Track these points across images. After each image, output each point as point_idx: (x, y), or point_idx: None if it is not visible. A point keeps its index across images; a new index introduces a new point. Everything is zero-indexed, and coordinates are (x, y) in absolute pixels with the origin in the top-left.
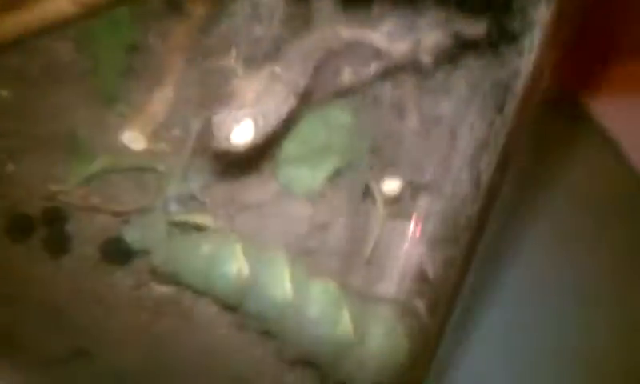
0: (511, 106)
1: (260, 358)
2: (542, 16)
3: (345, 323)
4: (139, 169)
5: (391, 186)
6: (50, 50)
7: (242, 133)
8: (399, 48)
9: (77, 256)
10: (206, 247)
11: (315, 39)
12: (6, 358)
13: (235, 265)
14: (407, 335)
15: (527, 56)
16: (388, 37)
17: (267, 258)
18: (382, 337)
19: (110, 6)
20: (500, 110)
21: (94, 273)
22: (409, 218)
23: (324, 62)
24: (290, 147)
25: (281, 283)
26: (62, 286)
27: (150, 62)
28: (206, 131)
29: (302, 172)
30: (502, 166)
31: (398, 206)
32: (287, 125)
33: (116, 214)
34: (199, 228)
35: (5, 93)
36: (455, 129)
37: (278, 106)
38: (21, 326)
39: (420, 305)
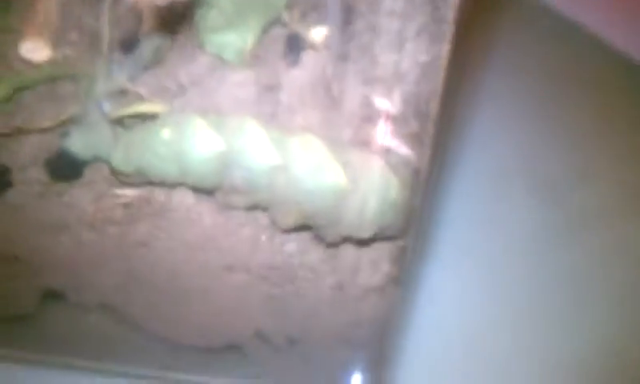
0: None
1: (253, 236)
2: None
3: (336, 171)
4: (52, 79)
5: (320, 32)
6: None
7: None
8: None
9: (22, 187)
10: (166, 131)
11: None
12: None
13: (205, 140)
14: (394, 172)
15: None
16: None
17: (236, 125)
18: (371, 179)
19: None
20: None
21: (47, 199)
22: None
23: None
24: (209, 16)
25: (261, 147)
26: (15, 224)
27: None
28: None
29: (230, 37)
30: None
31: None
32: None
33: (47, 129)
34: (147, 117)
35: None
36: None
37: None
38: None
39: (394, 141)
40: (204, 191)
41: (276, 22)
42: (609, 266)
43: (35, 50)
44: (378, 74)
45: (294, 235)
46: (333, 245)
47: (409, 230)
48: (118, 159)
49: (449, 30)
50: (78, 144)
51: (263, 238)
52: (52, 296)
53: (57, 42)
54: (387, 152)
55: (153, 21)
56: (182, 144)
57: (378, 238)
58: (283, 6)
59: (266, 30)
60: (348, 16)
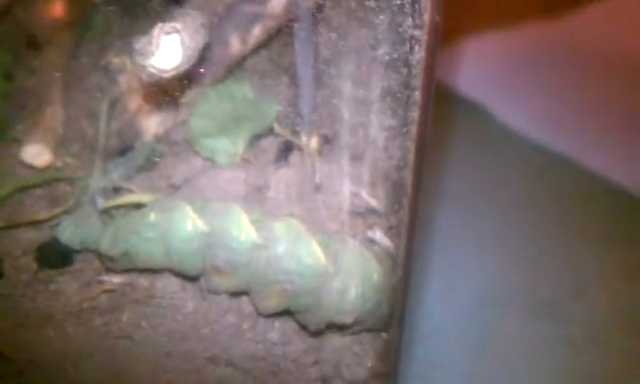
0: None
1: (236, 323)
2: None
3: (316, 254)
4: (52, 180)
5: (314, 142)
6: None
7: (168, 54)
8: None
9: (12, 276)
10: (153, 215)
11: (199, 2)
12: None
13: (190, 222)
14: (376, 259)
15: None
16: None
17: (220, 209)
18: (354, 263)
19: None
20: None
21: (34, 286)
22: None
23: (212, 28)
24: (199, 124)
25: (242, 227)
26: (2, 318)
27: (28, 86)
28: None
29: (222, 142)
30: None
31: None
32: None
33: (40, 222)
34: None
35: None
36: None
37: (193, 34)
38: None
39: (377, 233)
40: (188, 277)
41: (267, 132)
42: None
43: (37, 156)
44: (361, 171)
45: (276, 323)
46: (316, 333)
47: (392, 323)
48: (106, 243)
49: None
50: (67, 232)
51: (246, 325)
52: None
53: (59, 152)
54: (370, 242)
55: (141, 98)
56: (167, 226)
57: (361, 329)
58: (274, 117)
59: (256, 138)
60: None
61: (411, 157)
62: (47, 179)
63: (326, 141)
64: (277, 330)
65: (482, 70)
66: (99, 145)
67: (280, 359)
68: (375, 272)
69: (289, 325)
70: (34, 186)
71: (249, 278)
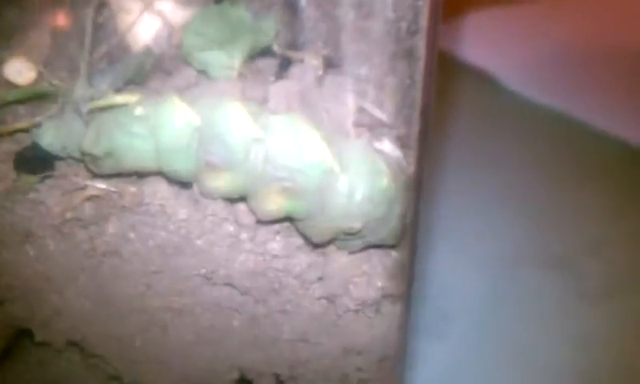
0: None
1: (233, 233)
2: None
3: (320, 149)
4: (34, 96)
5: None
6: None
7: None
8: None
9: None
10: (140, 109)
11: None
12: None
13: (180, 115)
14: (385, 163)
15: None
16: None
17: (213, 103)
18: (362, 163)
19: None
20: None
21: (13, 197)
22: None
23: None
24: (193, 40)
25: (238, 119)
26: None
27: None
28: None
29: (217, 55)
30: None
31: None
32: None
33: (20, 131)
34: None
35: None
36: None
37: None
38: None
39: (386, 143)
40: (179, 181)
41: (265, 50)
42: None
43: (20, 72)
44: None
45: (277, 228)
46: (320, 245)
47: (403, 241)
48: (89, 140)
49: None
50: (48, 136)
51: (244, 236)
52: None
53: (44, 71)
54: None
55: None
56: (155, 120)
57: (369, 243)
58: (273, 36)
59: (254, 57)
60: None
61: (420, 69)
62: (29, 94)
63: (329, 63)
64: (278, 241)
65: (488, 39)
66: (85, 48)
67: (282, 275)
68: (385, 175)
69: (292, 240)
70: (16, 103)
71: (246, 177)
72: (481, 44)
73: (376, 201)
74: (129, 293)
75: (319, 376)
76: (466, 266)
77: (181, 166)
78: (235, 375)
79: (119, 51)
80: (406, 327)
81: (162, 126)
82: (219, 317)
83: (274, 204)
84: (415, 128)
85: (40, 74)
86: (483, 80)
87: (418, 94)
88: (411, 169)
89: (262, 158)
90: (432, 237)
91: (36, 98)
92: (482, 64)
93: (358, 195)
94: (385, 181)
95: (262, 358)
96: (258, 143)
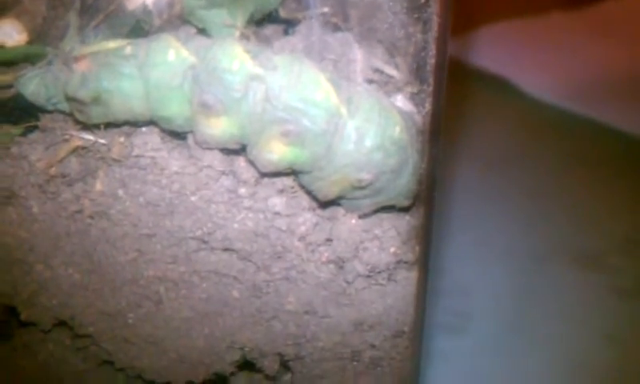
0: None
1: (231, 188)
2: None
3: (325, 88)
4: (24, 58)
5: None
6: None
7: None
8: None
9: None
10: (130, 48)
11: None
12: None
13: (172, 52)
14: (398, 112)
15: None
16: None
17: (209, 42)
18: (372, 108)
19: None
20: None
21: None
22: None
23: None
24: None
25: (235, 55)
26: None
27: None
28: None
29: (219, 13)
30: None
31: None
32: None
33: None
34: None
35: None
36: None
37: None
38: None
39: (399, 97)
40: (172, 130)
41: (270, 16)
42: None
43: (11, 35)
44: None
45: (280, 186)
46: (326, 204)
47: (418, 203)
48: (75, 83)
49: None
50: (32, 85)
51: (243, 191)
52: None
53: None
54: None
55: None
56: (145, 59)
57: (380, 202)
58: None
59: (259, 21)
60: None
61: (434, 25)
62: (18, 55)
63: (336, 27)
64: (281, 198)
65: (505, 47)
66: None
67: (285, 236)
68: (397, 124)
69: (296, 200)
70: (5, 64)
71: (244, 121)
72: (500, 52)
73: (387, 150)
74: (119, 260)
75: (328, 355)
76: (490, 260)
77: (174, 109)
78: (236, 356)
79: (115, 10)
80: (423, 298)
81: (153, 64)
82: (217, 286)
83: (276, 152)
84: (430, 85)
85: (31, 40)
86: (500, 84)
87: (432, 52)
88: (426, 124)
89: (262, 96)
90: (450, 232)
91: (25, 59)
92: (500, 71)
93: (368, 142)
94: (397, 129)
95: (265, 335)
96: (256, 80)
